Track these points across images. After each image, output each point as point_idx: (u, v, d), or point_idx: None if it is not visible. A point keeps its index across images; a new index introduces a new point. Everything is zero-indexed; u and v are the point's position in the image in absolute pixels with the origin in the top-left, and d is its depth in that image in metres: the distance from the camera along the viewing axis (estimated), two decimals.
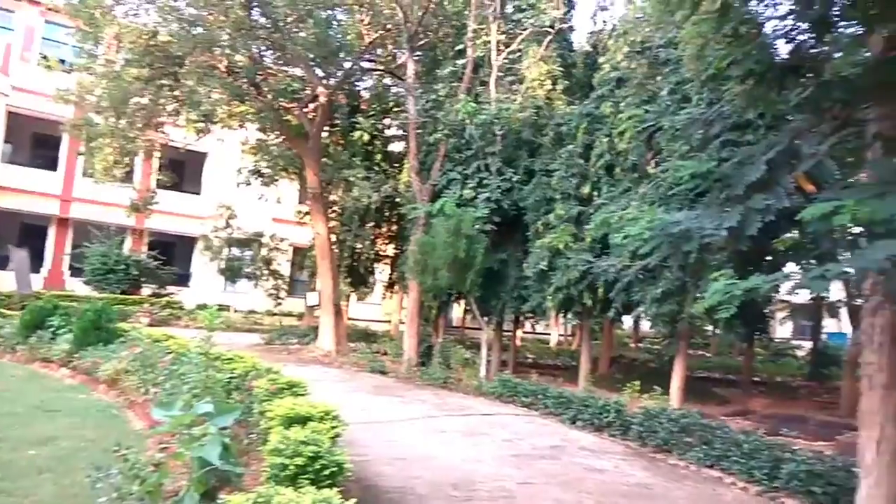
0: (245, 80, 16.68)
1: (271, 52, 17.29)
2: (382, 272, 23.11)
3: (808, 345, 21.98)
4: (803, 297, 18.50)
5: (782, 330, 29.49)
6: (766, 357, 23.63)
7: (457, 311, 27.57)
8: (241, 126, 19.44)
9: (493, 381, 13.42)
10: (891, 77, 5.79)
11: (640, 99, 13.84)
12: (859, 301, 10.88)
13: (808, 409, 14.79)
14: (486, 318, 15.96)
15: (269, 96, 17.42)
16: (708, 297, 5.25)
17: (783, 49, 7.10)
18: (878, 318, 6.55)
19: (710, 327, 19.76)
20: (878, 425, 6.50)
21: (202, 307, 19.55)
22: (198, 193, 29.35)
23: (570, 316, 17.93)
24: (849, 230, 5.75)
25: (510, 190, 15.75)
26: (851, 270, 5.08)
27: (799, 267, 8.91)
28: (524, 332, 25.31)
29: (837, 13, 6.27)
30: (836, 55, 7.02)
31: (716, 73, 7.36)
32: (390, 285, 22.09)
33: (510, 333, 18.88)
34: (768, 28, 7.07)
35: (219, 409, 5.25)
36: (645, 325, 26.92)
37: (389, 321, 25.98)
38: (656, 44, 13.87)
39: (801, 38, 6.88)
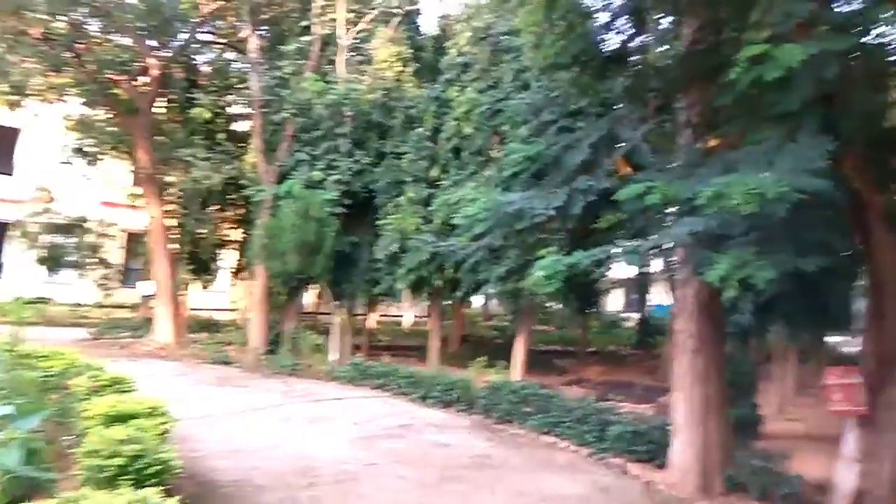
0: (64, 49, 15.00)
1: (95, 18, 15.66)
2: (228, 259, 21.97)
3: (636, 316, 24.02)
4: (632, 272, 20.20)
5: (614, 303, 32.01)
6: (600, 329, 25.52)
7: (309, 296, 26.99)
8: (59, 99, 17.46)
9: (345, 366, 13.32)
10: (697, 68, 6.39)
11: (485, 84, 14.25)
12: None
13: (635, 375, 16.22)
14: (337, 303, 15.75)
15: (93, 67, 15.81)
16: (536, 272, 5.53)
17: (614, 40, 7.61)
18: (688, 289, 7.29)
19: (551, 303, 21.04)
20: (689, 387, 7.25)
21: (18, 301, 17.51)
22: (9, 174, 26.10)
23: (423, 297, 18.24)
24: (663, 209, 6.28)
25: (361, 172, 15.59)
26: (660, 245, 5.56)
27: (617, 244, 9.67)
28: (379, 316, 25.34)
29: (653, 6, 6.81)
30: (656, 48, 7.65)
31: (552, 62, 7.71)
32: (237, 272, 21.08)
33: (364, 317, 18.81)
34: (596, 20, 7.53)
35: (22, 411, 4.72)
36: (494, 304, 28.04)
37: (236, 310, 24.84)
38: (498, 31, 14.33)
39: (624, 29, 7.41)
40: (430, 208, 14.01)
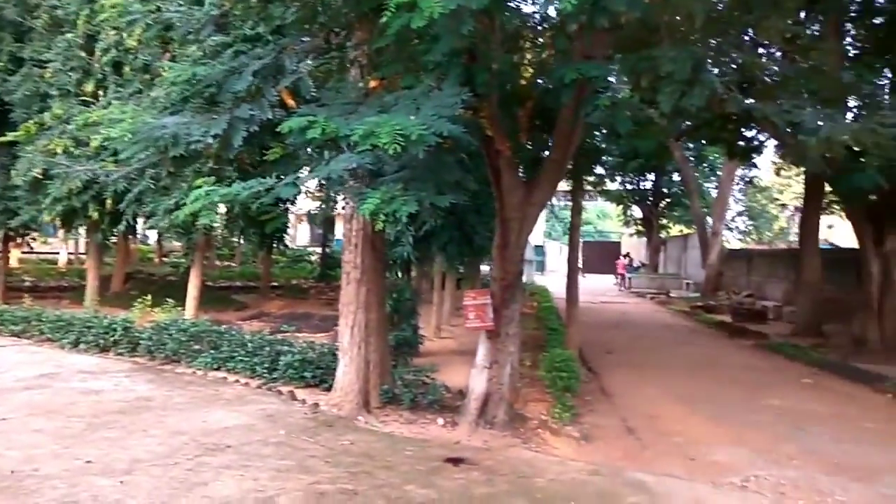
0: None
1: None
2: None
3: (320, 250, 24.66)
4: (314, 207, 20.57)
5: (301, 238, 32.38)
6: (285, 263, 25.65)
7: None
8: None
9: None
10: (360, 7, 6.54)
11: None
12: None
13: (315, 307, 16.78)
14: None
15: None
16: (189, 203, 5.25)
17: None
18: (355, 223, 7.69)
19: (234, 238, 20.40)
20: (353, 313, 7.72)
21: None
22: None
23: (80, 231, 16.08)
24: (327, 143, 6.41)
25: None
26: (321, 179, 5.71)
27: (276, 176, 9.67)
28: (24, 253, 21.63)
29: None
30: None
31: None
32: None
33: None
34: None
35: None
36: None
37: None
38: None
39: None
40: (70, 127, 12.18)
